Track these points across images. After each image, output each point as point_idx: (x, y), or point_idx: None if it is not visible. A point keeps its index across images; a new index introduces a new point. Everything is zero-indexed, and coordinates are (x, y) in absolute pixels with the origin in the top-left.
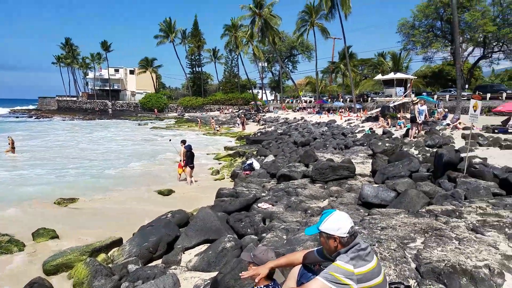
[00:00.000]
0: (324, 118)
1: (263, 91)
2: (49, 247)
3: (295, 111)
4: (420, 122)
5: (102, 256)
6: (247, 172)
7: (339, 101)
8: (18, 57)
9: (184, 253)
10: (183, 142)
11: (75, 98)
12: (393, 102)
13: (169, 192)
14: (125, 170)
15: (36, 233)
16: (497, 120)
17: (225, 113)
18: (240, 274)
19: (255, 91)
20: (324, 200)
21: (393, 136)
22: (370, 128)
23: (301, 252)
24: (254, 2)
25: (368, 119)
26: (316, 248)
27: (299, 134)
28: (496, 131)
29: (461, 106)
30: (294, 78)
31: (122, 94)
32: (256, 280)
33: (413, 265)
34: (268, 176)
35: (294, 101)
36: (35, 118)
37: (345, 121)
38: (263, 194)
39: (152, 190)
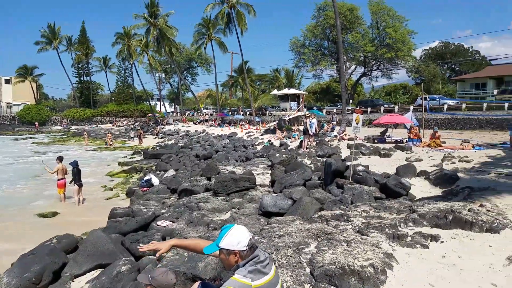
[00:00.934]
0: (226, 130)
1: (161, 103)
2: None
3: (196, 124)
4: (311, 134)
5: None
6: (145, 188)
7: (240, 114)
8: None
9: (73, 281)
10: (59, 159)
11: None
12: (288, 116)
13: (53, 215)
14: None
15: None
16: (377, 131)
17: (119, 126)
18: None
19: (152, 102)
20: (226, 212)
21: (289, 148)
22: (269, 140)
23: (208, 242)
24: (149, 12)
25: (266, 132)
26: None
27: (201, 147)
28: (376, 141)
29: (346, 119)
30: (194, 91)
31: None
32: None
33: (307, 270)
34: (169, 191)
35: (195, 113)
36: None
37: (246, 133)
38: (163, 211)
39: (33, 213)
